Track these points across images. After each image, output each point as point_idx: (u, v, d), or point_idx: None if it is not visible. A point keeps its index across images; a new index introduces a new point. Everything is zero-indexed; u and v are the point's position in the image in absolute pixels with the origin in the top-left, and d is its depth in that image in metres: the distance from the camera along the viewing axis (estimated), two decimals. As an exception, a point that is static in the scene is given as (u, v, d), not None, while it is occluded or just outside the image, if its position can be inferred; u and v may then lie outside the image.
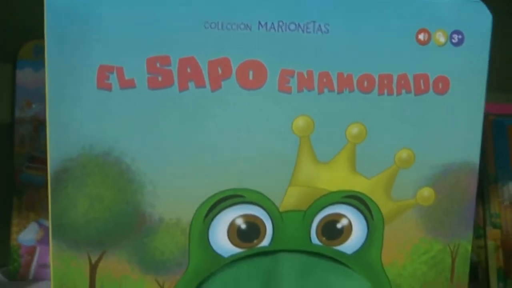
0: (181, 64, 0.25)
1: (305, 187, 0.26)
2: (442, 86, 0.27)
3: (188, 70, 0.25)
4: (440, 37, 0.26)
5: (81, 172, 0.24)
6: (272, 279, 0.27)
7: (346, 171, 0.27)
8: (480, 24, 0.27)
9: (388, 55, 0.26)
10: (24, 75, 0.42)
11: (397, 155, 0.27)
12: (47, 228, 0.42)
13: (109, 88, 0.24)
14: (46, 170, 0.42)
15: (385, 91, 0.26)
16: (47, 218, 0.42)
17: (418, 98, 0.27)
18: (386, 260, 0.28)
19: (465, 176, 0.28)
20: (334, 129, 0.26)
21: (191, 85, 0.25)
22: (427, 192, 0.28)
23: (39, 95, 0.42)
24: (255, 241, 0.26)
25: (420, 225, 0.28)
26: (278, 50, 0.25)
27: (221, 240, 0.26)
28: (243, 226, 0.26)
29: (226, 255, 0.26)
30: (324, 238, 0.27)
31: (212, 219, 0.26)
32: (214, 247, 0.26)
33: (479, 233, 0.41)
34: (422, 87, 0.27)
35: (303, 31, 0.25)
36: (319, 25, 0.25)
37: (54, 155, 0.24)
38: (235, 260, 0.26)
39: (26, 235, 0.42)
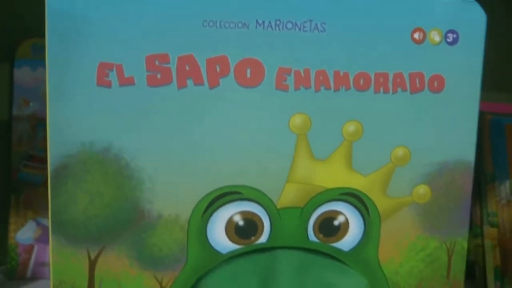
0: (180, 62, 0.25)
1: (302, 184, 0.26)
2: (437, 84, 0.27)
3: (187, 67, 0.25)
4: (435, 36, 0.27)
5: (81, 169, 0.25)
6: (269, 275, 0.27)
7: (342, 168, 0.27)
8: (475, 23, 0.27)
9: (384, 54, 0.26)
10: (21, 74, 0.42)
11: (393, 153, 0.27)
12: (45, 226, 0.43)
13: (108, 85, 0.24)
14: (43, 168, 0.42)
15: (381, 89, 0.27)
16: (45, 217, 0.42)
17: (414, 96, 0.27)
18: (383, 257, 0.28)
19: (461, 174, 0.28)
20: (331, 126, 0.26)
21: (189, 82, 0.25)
22: (423, 190, 0.28)
23: (37, 94, 0.42)
24: (252, 238, 0.27)
25: (417, 223, 0.28)
26: (275, 49, 0.25)
27: (219, 236, 0.26)
28: (241, 222, 0.26)
29: (224, 251, 0.26)
30: (321, 235, 0.27)
31: (210, 216, 0.26)
32: (212, 244, 0.26)
33: (476, 232, 0.41)
34: (418, 85, 0.27)
35: (300, 29, 0.25)
36: (316, 24, 0.26)
37: (54, 152, 0.24)
38: (233, 256, 0.27)
39: (23, 233, 0.42)
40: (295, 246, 0.27)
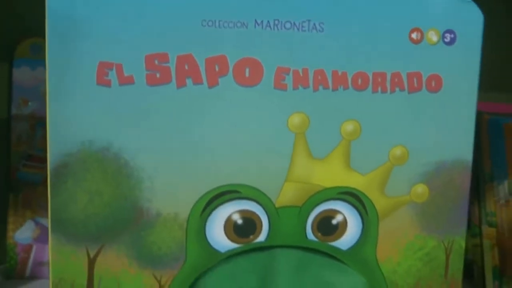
0: (179, 61, 0.25)
1: (300, 183, 0.27)
2: (435, 84, 0.27)
3: (186, 67, 0.25)
4: (433, 36, 0.27)
5: (81, 167, 0.25)
6: (268, 274, 0.27)
7: (340, 167, 0.27)
8: (472, 23, 0.27)
9: (382, 54, 0.26)
10: (20, 73, 0.42)
11: (391, 152, 0.27)
12: (44, 226, 0.43)
13: (108, 84, 0.25)
14: (42, 168, 0.42)
15: (379, 88, 0.27)
16: (44, 216, 0.42)
17: (412, 96, 0.27)
18: (381, 256, 0.28)
19: (459, 173, 0.28)
20: (329, 126, 0.26)
21: (188, 81, 0.25)
22: (421, 189, 0.28)
23: (36, 93, 0.42)
24: (251, 237, 0.27)
25: (415, 222, 0.28)
26: (274, 48, 0.25)
27: (217, 235, 0.26)
28: (240, 221, 0.26)
29: (222, 250, 0.27)
30: (319, 234, 0.27)
31: (208, 215, 0.26)
32: (211, 242, 0.26)
33: (475, 231, 0.41)
34: (416, 85, 0.27)
35: (298, 29, 0.26)
36: (314, 24, 0.26)
37: (54, 150, 0.24)
38: (231, 255, 0.27)
39: (22, 233, 0.42)
40: (294, 245, 0.27)
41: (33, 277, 0.42)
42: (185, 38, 0.25)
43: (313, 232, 0.27)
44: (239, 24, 0.25)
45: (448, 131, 0.28)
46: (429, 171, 0.28)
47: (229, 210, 0.26)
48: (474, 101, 0.28)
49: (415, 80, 0.27)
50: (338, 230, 0.28)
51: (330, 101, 0.26)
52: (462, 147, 0.28)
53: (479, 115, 0.40)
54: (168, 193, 0.25)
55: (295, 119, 0.26)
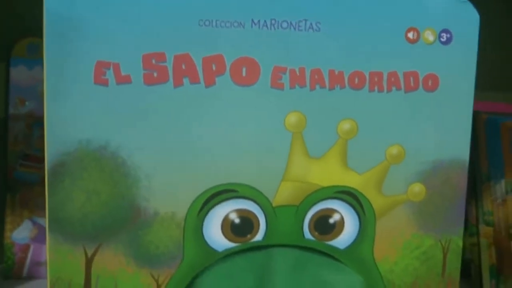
0: (176, 60, 0.25)
1: (297, 182, 0.27)
2: (431, 83, 0.27)
3: (183, 66, 0.25)
4: (429, 36, 0.27)
5: (78, 166, 0.25)
6: (265, 273, 0.27)
7: (337, 166, 0.27)
8: (468, 23, 0.27)
9: (378, 53, 0.26)
10: (17, 73, 0.42)
11: (388, 151, 0.27)
12: (41, 226, 0.42)
13: (105, 83, 0.25)
14: (40, 168, 0.42)
15: (376, 88, 0.27)
16: (41, 216, 0.42)
17: (408, 95, 0.27)
18: (378, 255, 0.28)
19: (455, 172, 0.28)
20: (326, 125, 0.27)
21: (185, 81, 0.25)
22: (418, 188, 0.28)
23: (33, 93, 0.42)
24: (248, 236, 0.27)
25: (412, 221, 0.28)
26: (270, 48, 0.26)
27: (215, 234, 0.26)
28: (237, 220, 0.26)
29: (220, 249, 0.27)
30: (316, 233, 0.27)
31: (206, 214, 0.26)
32: (208, 242, 0.26)
33: (472, 231, 0.41)
34: (412, 84, 0.27)
35: (295, 29, 0.26)
36: (311, 23, 0.26)
37: (51, 149, 0.24)
38: (229, 254, 0.27)
39: (19, 233, 0.42)
40: (291, 244, 0.27)
41: (31, 277, 0.42)
42: (182, 37, 0.25)
43: (310, 231, 0.27)
44: (236, 24, 0.25)
45: (445, 130, 0.28)
46: (426, 170, 0.28)
47: (226, 209, 0.26)
48: (471, 100, 0.28)
49: (411, 79, 0.27)
50: (335, 229, 0.28)
51: (326, 100, 0.26)
52: (459, 146, 0.28)
53: (476, 115, 0.40)
54: (166, 192, 0.25)
55: (292, 118, 0.26)
